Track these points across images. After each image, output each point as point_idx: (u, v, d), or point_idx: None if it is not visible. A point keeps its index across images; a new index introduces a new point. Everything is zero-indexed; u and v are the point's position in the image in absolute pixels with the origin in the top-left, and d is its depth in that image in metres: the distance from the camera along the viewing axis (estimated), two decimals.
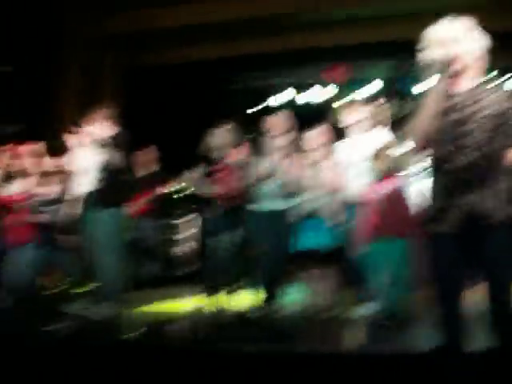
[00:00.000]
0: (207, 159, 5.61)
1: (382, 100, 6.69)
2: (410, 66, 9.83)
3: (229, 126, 5.74)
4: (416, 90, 9.93)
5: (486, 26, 2.82)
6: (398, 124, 8.55)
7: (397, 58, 9.90)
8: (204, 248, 5.89)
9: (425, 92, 2.80)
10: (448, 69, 2.72)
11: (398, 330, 4.67)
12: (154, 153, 8.07)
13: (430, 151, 2.84)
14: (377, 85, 10.15)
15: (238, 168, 5.72)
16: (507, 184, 2.78)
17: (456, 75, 2.77)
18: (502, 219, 2.73)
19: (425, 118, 2.75)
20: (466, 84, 2.80)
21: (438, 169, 2.82)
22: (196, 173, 5.61)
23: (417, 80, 9.83)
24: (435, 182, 2.85)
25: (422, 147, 2.82)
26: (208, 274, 5.68)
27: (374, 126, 5.63)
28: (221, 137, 5.66)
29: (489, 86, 2.81)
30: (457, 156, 2.73)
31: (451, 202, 2.75)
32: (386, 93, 10.10)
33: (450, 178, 2.76)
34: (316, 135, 5.51)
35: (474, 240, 2.75)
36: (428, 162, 2.92)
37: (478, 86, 2.80)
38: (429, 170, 2.93)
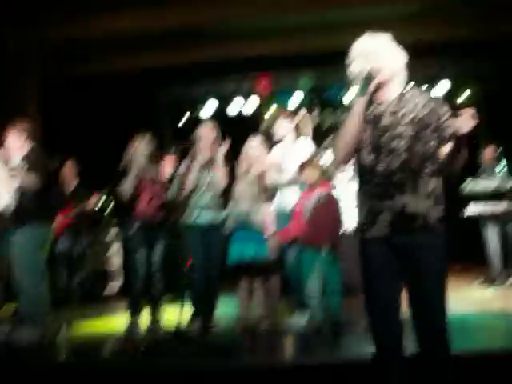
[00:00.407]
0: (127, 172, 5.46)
1: (305, 111, 6.76)
2: (334, 76, 10.08)
3: (149, 138, 5.60)
4: (341, 100, 10.11)
5: (406, 37, 2.95)
6: (323, 134, 8.73)
7: (320, 69, 10.04)
8: (127, 264, 5.69)
9: (349, 105, 2.88)
10: (373, 80, 2.83)
11: (333, 338, 4.67)
12: (75, 167, 7.83)
13: (357, 158, 2.91)
14: (301, 95, 10.22)
15: (162, 182, 5.60)
16: (438, 185, 2.86)
17: (381, 86, 2.88)
18: (434, 220, 2.80)
19: (350, 130, 2.85)
20: (391, 93, 2.93)
21: (367, 174, 2.88)
22: (121, 186, 5.44)
23: (341, 90, 10.08)
24: (364, 188, 2.91)
25: (346, 160, 2.90)
26: (131, 290, 5.51)
27: (300, 135, 5.67)
28: (142, 149, 5.52)
29: (412, 93, 2.94)
30: (380, 162, 2.84)
31: (382, 206, 2.82)
32: (310, 103, 10.25)
33: (375, 184, 2.84)
34: (250, 145, 5.46)
35: (405, 243, 2.80)
36: (353, 170, 2.99)
37: (402, 94, 2.94)
38: (355, 177, 2.98)
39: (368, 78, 2.83)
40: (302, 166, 5.12)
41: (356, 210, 2.95)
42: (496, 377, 3.55)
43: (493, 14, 8.37)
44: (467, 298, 6.21)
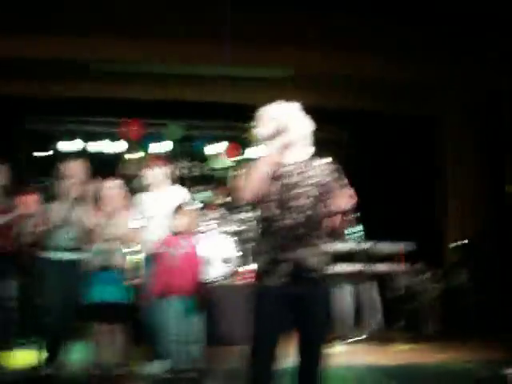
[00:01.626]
0: None
1: (173, 159, 6.82)
2: (202, 128, 10.28)
3: (4, 168, 5.41)
4: (207, 151, 10.29)
5: (276, 98, 3.28)
6: (189, 183, 8.78)
7: (190, 119, 10.19)
8: None
9: (255, 158, 3.15)
10: (277, 142, 3.11)
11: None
12: None
13: (264, 210, 3.12)
14: (169, 144, 10.27)
15: (17, 214, 5.38)
16: (326, 246, 3.16)
17: (284, 148, 3.14)
18: (321, 275, 3.07)
19: (255, 179, 3.06)
20: (297, 155, 3.21)
21: (268, 227, 3.10)
22: None
23: (208, 142, 10.27)
24: (264, 239, 3.12)
25: (251, 200, 3.10)
26: None
27: (167, 183, 5.69)
28: None
29: (314, 160, 3.25)
30: (286, 216, 3.07)
31: (280, 257, 3.04)
32: (178, 152, 10.32)
33: (279, 236, 3.06)
34: (113, 186, 5.38)
35: (298, 293, 3.02)
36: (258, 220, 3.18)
37: (305, 159, 3.23)
38: (255, 228, 3.21)
39: (272, 140, 3.10)
40: (175, 212, 5.13)
41: (254, 257, 3.22)
42: None
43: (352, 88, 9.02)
44: None
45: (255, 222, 3.22)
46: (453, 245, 8.63)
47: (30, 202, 5.96)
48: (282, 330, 3.03)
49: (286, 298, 3.01)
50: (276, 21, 7.65)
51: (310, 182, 3.14)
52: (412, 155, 9.67)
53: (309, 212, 3.07)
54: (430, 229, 9.35)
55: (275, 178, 3.11)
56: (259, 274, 3.10)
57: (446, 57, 8.30)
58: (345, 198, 3.08)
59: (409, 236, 7.65)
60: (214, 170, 10.58)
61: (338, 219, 3.12)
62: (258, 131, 3.23)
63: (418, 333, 7.28)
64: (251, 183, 3.06)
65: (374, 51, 7.97)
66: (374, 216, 8.80)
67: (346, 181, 3.21)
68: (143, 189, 5.66)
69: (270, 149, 3.10)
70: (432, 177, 9.78)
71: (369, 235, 7.39)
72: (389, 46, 8.01)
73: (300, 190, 3.11)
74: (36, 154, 10.01)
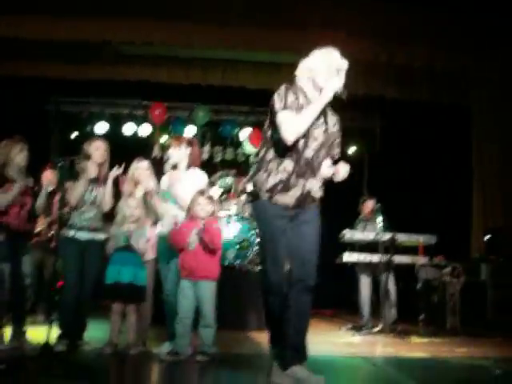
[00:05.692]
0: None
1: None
2: (229, 112, 10.28)
3: (24, 146, 5.37)
4: (233, 137, 10.30)
5: None
6: (211, 168, 8.77)
7: (217, 104, 10.20)
8: None
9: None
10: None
11: (206, 367, 4.64)
12: None
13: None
14: (194, 127, 10.29)
15: (33, 192, 5.44)
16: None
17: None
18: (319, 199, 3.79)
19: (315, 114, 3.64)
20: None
21: (295, 154, 3.63)
22: None
23: (234, 127, 10.27)
24: (285, 161, 3.63)
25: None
26: None
27: (190, 165, 5.63)
28: (16, 158, 5.28)
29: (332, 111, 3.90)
30: (307, 147, 3.70)
31: (296, 182, 3.60)
32: (203, 136, 10.36)
33: (303, 164, 3.62)
34: (136, 167, 5.38)
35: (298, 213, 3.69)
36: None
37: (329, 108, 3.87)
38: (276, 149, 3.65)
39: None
40: (197, 196, 5.09)
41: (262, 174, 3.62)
42: None
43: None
44: (334, 342, 6.40)
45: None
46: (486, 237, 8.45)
47: (46, 181, 6.04)
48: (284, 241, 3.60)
49: (289, 216, 3.58)
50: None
51: (322, 127, 3.67)
52: (444, 146, 9.54)
53: (316, 153, 3.65)
54: (456, 222, 9.23)
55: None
56: (267, 190, 3.55)
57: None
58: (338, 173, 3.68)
59: (435, 228, 7.54)
60: (237, 155, 10.59)
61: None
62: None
63: (437, 327, 7.20)
64: (306, 121, 3.53)
65: (410, 40, 7.86)
66: (402, 207, 8.75)
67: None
68: (166, 170, 5.61)
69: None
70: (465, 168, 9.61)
71: (393, 226, 7.30)
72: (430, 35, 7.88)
73: (317, 129, 3.64)
74: (63, 135, 10.18)
